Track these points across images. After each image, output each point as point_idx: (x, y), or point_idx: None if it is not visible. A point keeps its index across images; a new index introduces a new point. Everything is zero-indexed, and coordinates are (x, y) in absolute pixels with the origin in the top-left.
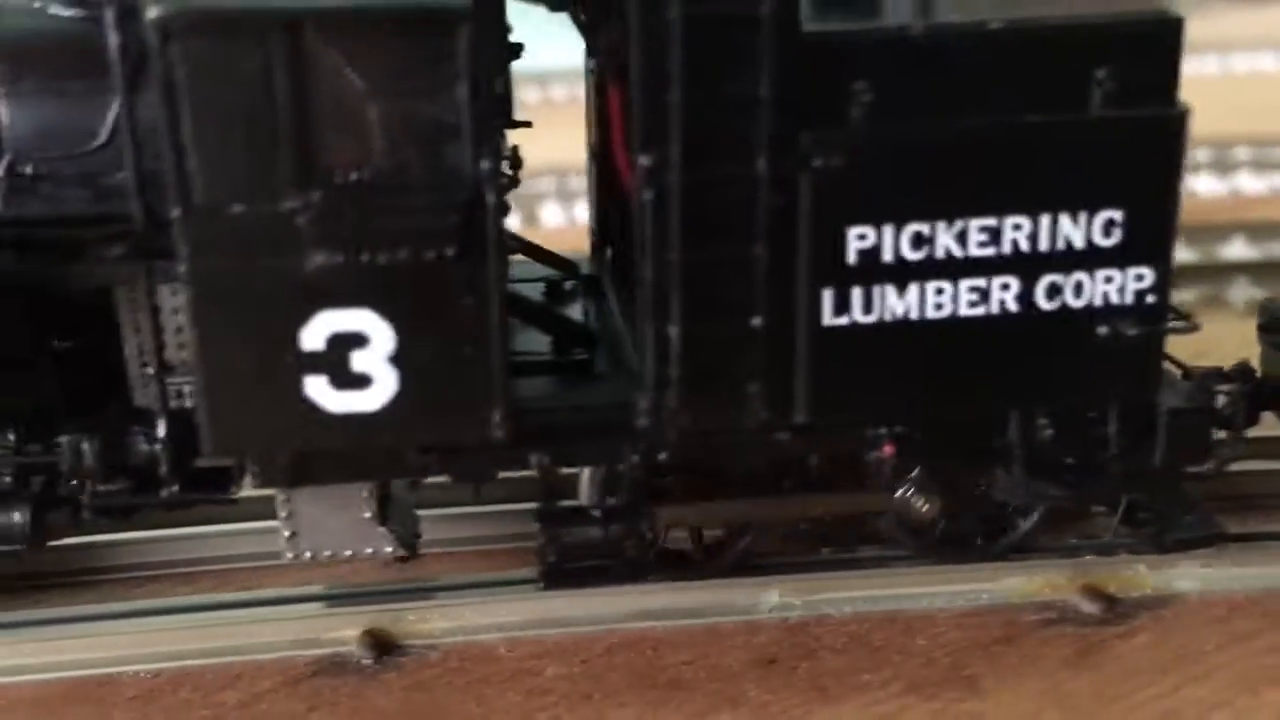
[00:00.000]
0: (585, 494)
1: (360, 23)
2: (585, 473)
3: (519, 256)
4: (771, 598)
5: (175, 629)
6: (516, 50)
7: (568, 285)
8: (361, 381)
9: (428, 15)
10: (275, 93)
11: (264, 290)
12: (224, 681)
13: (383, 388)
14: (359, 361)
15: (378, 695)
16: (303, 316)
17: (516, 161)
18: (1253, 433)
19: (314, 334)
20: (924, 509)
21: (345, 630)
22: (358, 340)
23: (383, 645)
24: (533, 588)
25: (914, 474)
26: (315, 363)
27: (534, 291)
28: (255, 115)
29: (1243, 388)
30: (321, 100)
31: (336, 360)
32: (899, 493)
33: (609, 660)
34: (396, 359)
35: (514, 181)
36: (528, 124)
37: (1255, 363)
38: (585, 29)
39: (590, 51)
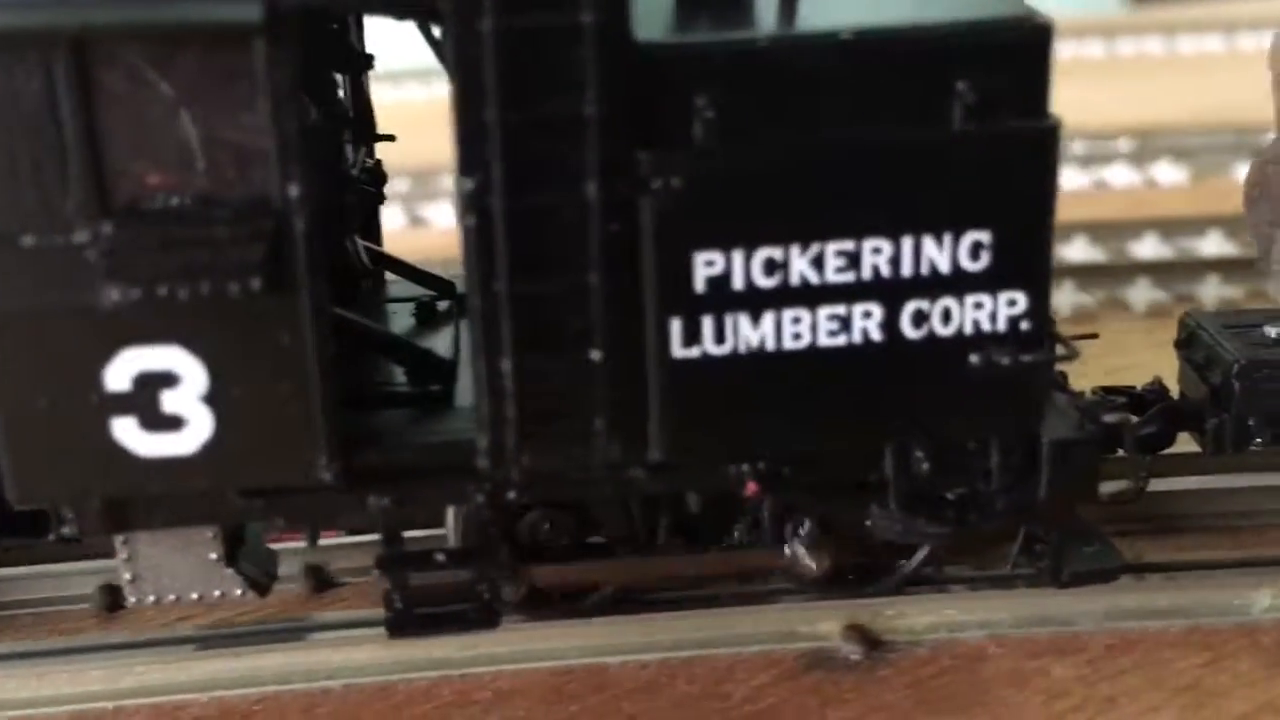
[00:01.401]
0: (451, 532)
1: (149, 38)
2: (450, 511)
3: (389, 276)
4: None
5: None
6: (368, 60)
7: (441, 306)
8: (174, 423)
9: (218, 28)
10: (61, 115)
11: (62, 327)
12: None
13: (198, 429)
14: (170, 402)
15: (883, 691)
16: (105, 355)
17: (380, 176)
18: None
19: (118, 373)
20: (812, 567)
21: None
22: (167, 379)
23: (869, 640)
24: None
25: (803, 530)
26: (122, 404)
27: (405, 313)
28: (41, 140)
29: (1158, 408)
30: (113, 123)
31: (146, 401)
32: (786, 548)
33: (1113, 660)
34: (210, 399)
35: (378, 197)
36: (390, 137)
37: (1171, 381)
38: (433, 43)
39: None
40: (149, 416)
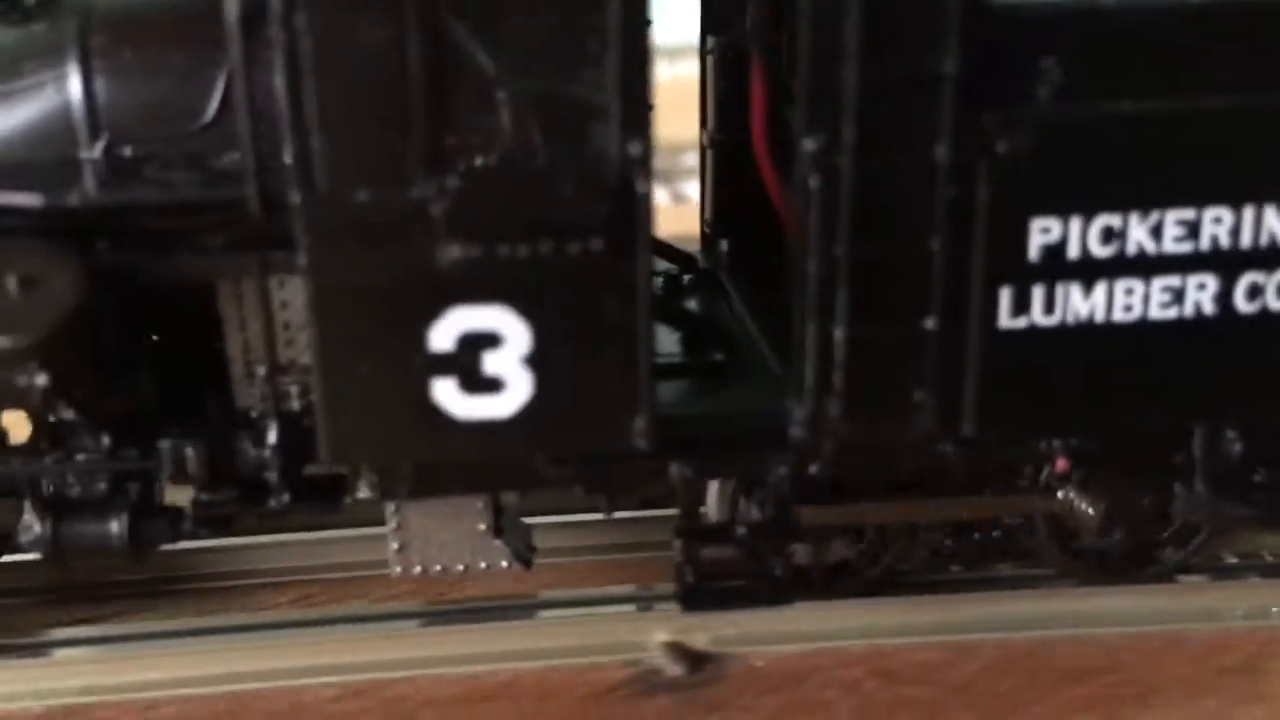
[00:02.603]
0: (714, 508)
1: None
2: (714, 486)
3: None
4: None
5: None
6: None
7: (685, 280)
8: (494, 385)
9: None
10: (408, 67)
11: (391, 285)
12: None
13: (516, 392)
14: (491, 363)
15: None
16: (432, 314)
17: None
18: None
19: (444, 333)
20: (1089, 512)
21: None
22: (491, 340)
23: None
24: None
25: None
26: (444, 364)
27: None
28: (386, 92)
29: None
30: (457, 76)
31: (467, 362)
32: (1061, 493)
33: None
34: (533, 361)
35: None
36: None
37: None
38: (706, 3)
39: (711, 28)
40: (469, 378)
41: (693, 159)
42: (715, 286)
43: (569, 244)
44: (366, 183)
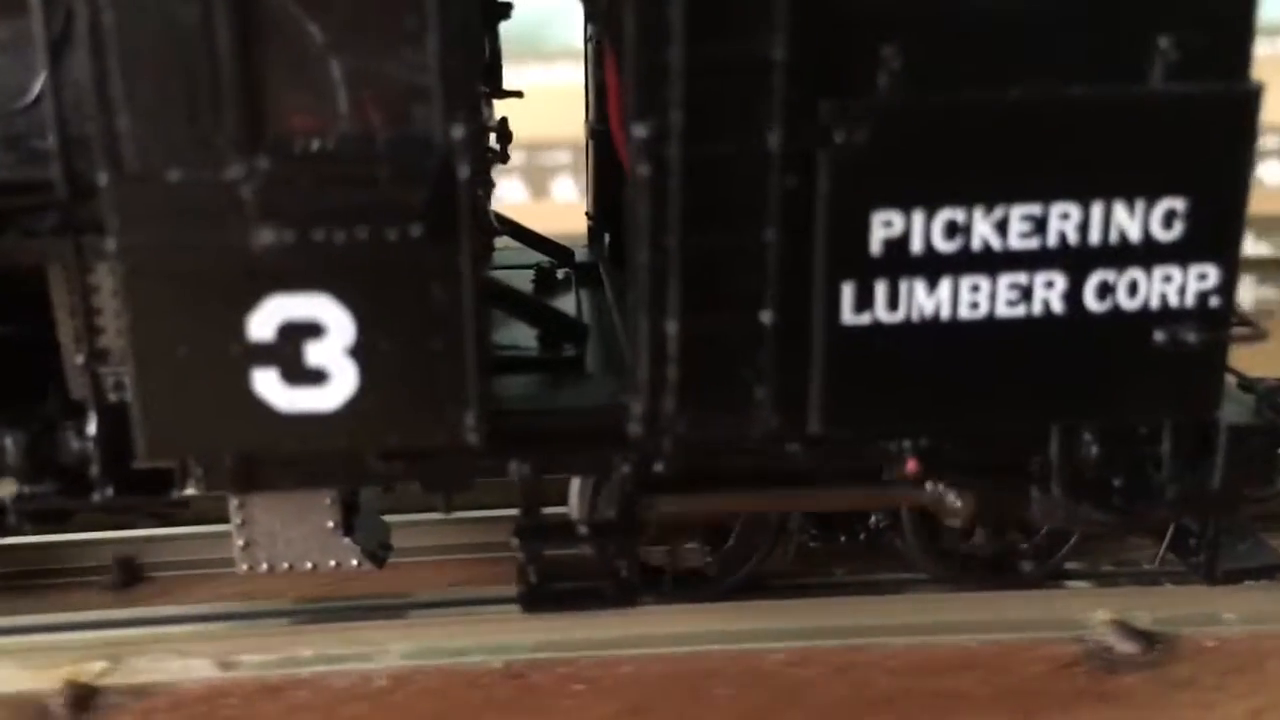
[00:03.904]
0: (574, 506)
1: None
2: (575, 482)
3: (505, 240)
4: None
5: None
6: (505, 10)
7: (560, 273)
8: (317, 377)
9: None
10: (218, 42)
11: (206, 270)
12: None
13: (341, 384)
14: (314, 354)
15: None
16: (250, 301)
17: (505, 135)
18: None
19: (263, 321)
20: (956, 506)
21: None
22: (313, 330)
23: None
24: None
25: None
26: (265, 354)
27: (522, 279)
28: (195, 68)
29: None
30: (272, 53)
31: (289, 352)
32: (929, 487)
33: None
34: (356, 352)
35: (503, 157)
36: (518, 94)
37: None
38: None
39: (589, 17)
40: (292, 369)
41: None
42: (595, 280)
43: (387, 230)
44: (178, 163)
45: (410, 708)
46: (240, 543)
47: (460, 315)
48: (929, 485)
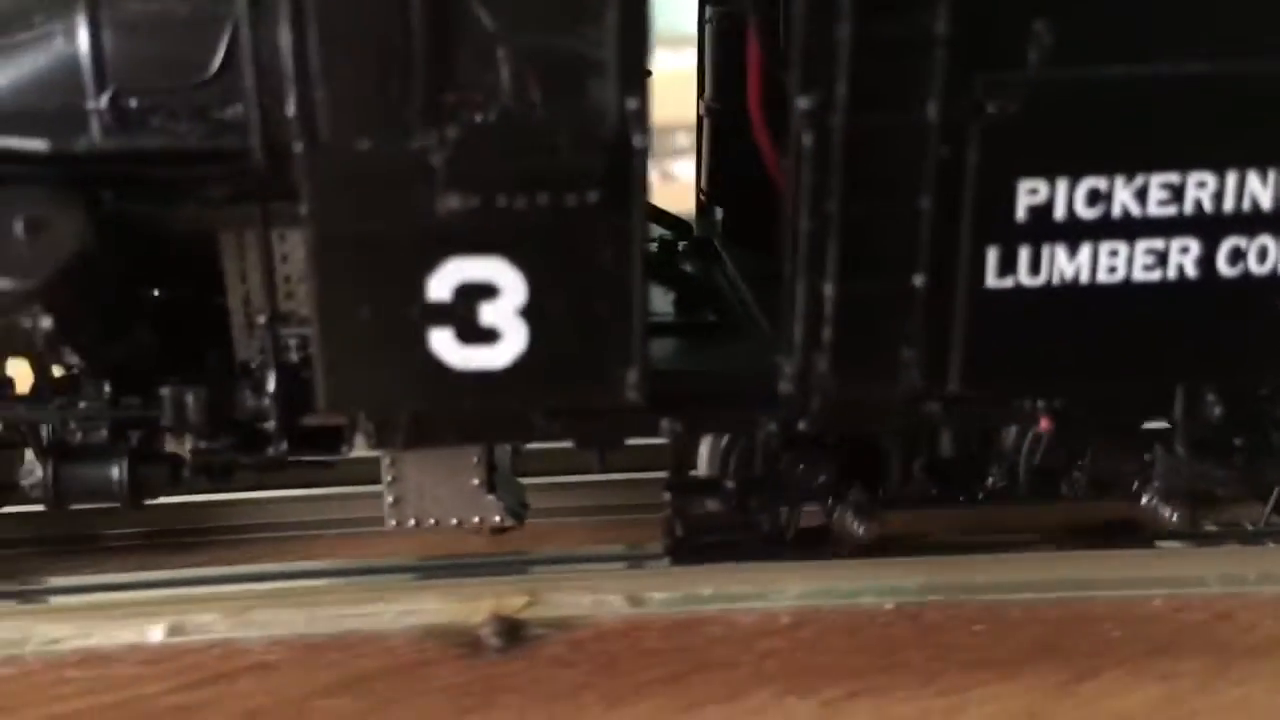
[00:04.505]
0: (705, 465)
1: None
2: (705, 442)
3: None
4: None
5: None
6: None
7: (680, 245)
8: (490, 336)
9: None
10: (411, 18)
11: (390, 234)
12: None
13: (512, 344)
14: (488, 314)
15: None
16: (431, 264)
17: None
18: None
19: (441, 283)
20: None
21: None
22: (487, 291)
23: None
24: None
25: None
26: (441, 315)
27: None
28: (389, 42)
29: None
30: (460, 28)
31: (464, 313)
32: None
33: None
34: (528, 313)
35: None
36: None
37: None
38: None
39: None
40: (466, 329)
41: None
42: (710, 252)
43: (565, 197)
44: (368, 133)
45: (822, 643)
46: (390, 499)
47: (628, 278)
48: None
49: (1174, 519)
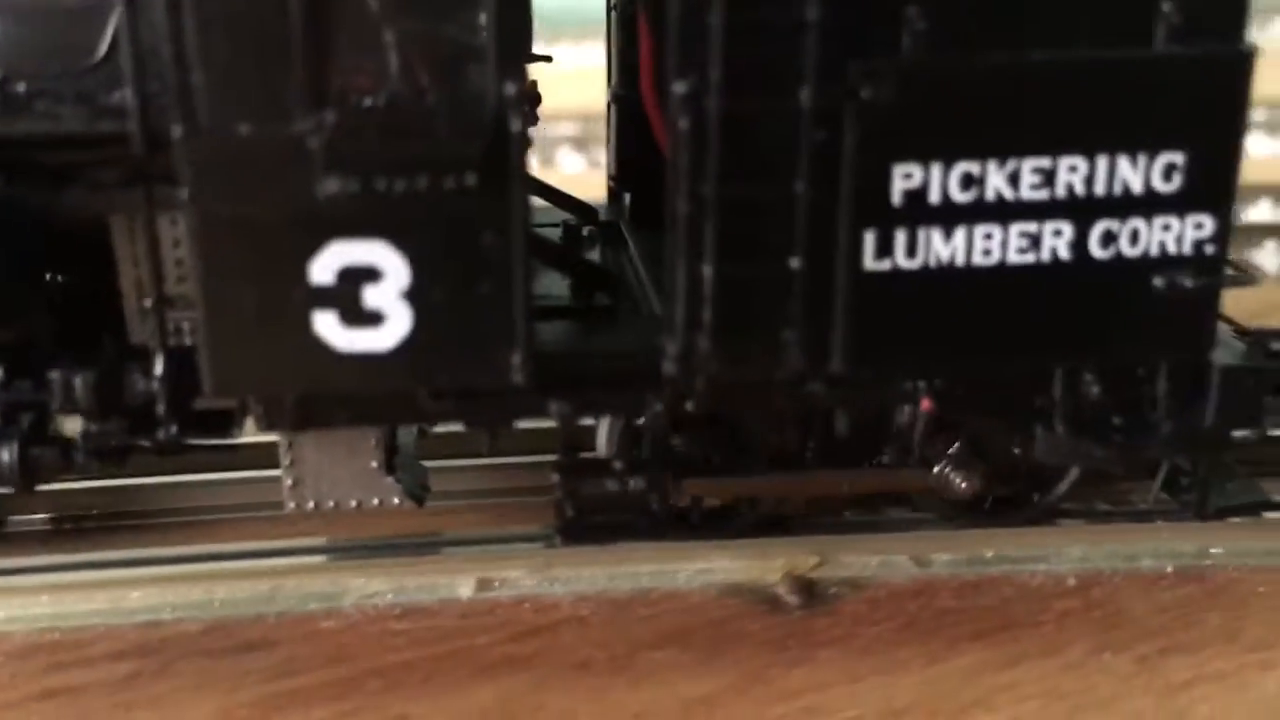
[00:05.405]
0: (603, 446)
1: None
2: (604, 424)
3: (535, 199)
4: None
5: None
6: None
7: (585, 230)
8: (374, 319)
9: None
10: (289, 2)
11: (272, 218)
12: None
13: (396, 326)
14: (371, 297)
15: None
16: (313, 247)
17: (535, 97)
18: None
19: (324, 267)
20: (963, 486)
21: None
22: (370, 274)
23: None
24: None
25: (952, 449)
26: (325, 298)
27: (552, 236)
28: (267, 27)
29: None
30: (338, 12)
31: (347, 296)
32: (937, 469)
33: None
34: (411, 295)
35: (533, 118)
36: (547, 58)
37: None
38: None
39: None
40: (350, 312)
41: None
42: (617, 237)
43: (444, 180)
44: (247, 117)
45: (1114, 603)
46: (289, 482)
47: (509, 261)
48: (935, 469)
49: (963, 487)
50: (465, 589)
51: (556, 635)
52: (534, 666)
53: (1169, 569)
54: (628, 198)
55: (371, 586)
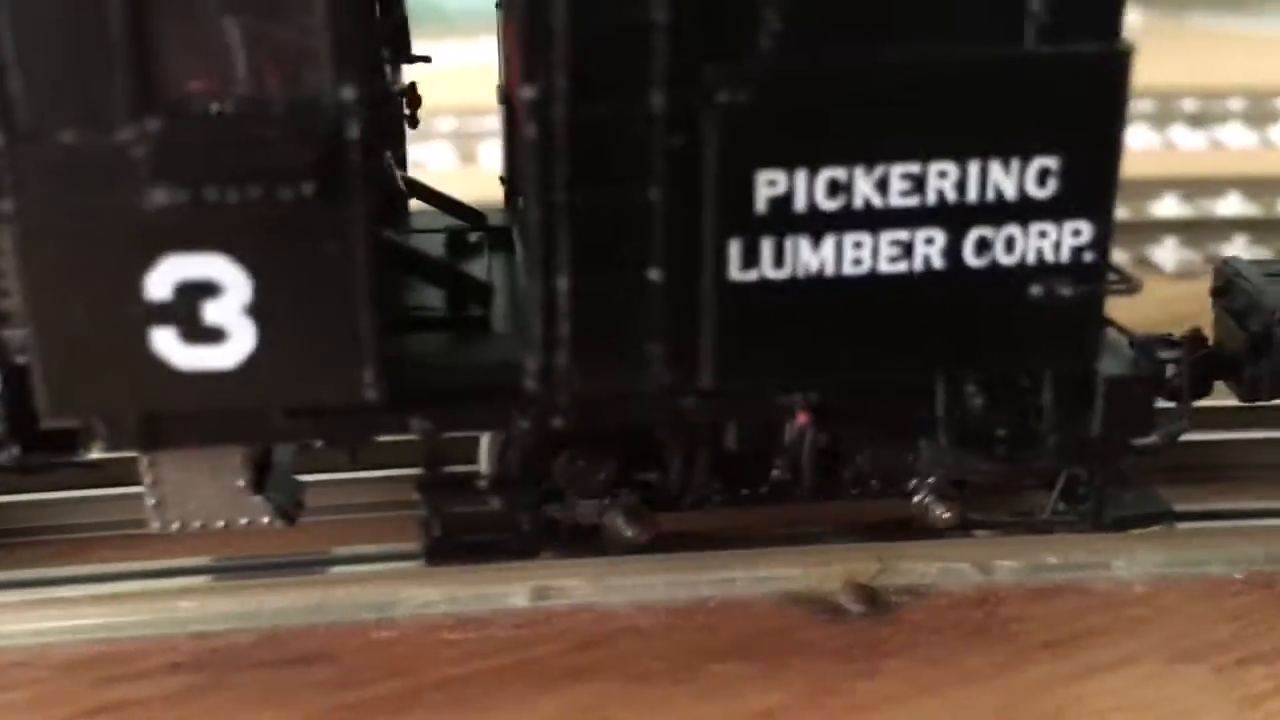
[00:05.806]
0: (484, 462)
1: None
2: (484, 439)
3: (418, 205)
4: None
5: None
6: None
7: (472, 237)
8: (215, 335)
9: None
10: (108, 4)
11: (102, 231)
12: None
13: (240, 342)
14: (212, 313)
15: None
16: (146, 261)
17: (414, 99)
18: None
19: (160, 281)
20: (945, 516)
21: None
22: (210, 289)
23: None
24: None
25: (932, 481)
26: (163, 314)
27: (435, 243)
28: (86, 28)
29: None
30: (164, 15)
31: (186, 311)
32: (917, 499)
33: None
34: (254, 311)
35: (412, 121)
36: (426, 59)
37: (1207, 330)
38: None
39: None
40: (190, 328)
41: None
42: (507, 243)
43: (279, 190)
44: (70, 124)
45: (1185, 611)
46: (151, 502)
47: (354, 272)
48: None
49: (945, 516)
50: (520, 598)
51: (615, 646)
52: (595, 679)
53: (1238, 575)
54: (520, 201)
55: (424, 596)
